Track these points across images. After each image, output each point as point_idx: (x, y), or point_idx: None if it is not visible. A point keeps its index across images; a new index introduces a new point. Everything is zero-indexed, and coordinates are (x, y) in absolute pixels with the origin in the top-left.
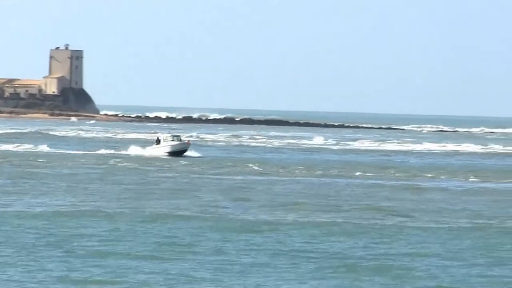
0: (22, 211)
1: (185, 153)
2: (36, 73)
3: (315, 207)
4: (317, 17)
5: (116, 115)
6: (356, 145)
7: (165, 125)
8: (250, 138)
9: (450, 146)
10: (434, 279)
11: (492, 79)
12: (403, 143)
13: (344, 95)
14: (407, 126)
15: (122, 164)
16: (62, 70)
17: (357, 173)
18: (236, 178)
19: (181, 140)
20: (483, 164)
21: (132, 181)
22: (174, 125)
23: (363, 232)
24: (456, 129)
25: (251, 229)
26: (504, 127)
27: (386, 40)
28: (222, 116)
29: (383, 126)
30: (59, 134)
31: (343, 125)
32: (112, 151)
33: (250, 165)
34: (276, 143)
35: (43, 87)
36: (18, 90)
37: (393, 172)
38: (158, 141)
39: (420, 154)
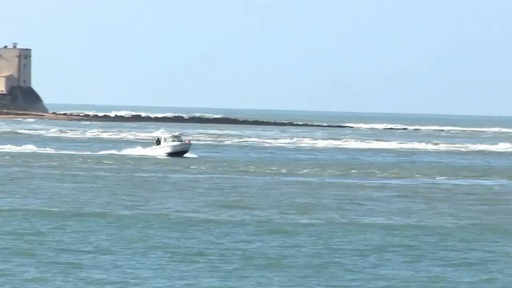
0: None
1: (186, 154)
2: None
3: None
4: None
5: (65, 114)
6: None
7: (114, 123)
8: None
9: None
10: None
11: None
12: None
13: (297, 94)
14: (357, 125)
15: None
16: (10, 69)
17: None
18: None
19: (181, 141)
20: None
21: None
22: (125, 124)
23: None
24: (406, 127)
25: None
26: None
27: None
28: (172, 115)
29: (332, 124)
30: (33, 133)
31: (291, 123)
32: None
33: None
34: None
35: None
36: None
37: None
38: (158, 142)
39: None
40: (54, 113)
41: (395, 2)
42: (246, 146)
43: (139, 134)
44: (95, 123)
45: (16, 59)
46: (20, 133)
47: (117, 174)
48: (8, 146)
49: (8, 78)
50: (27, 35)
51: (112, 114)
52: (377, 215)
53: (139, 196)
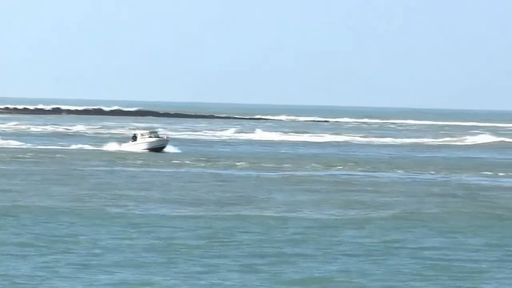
0: None
1: (164, 150)
2: None
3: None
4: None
5: None
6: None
7: (32, 116)
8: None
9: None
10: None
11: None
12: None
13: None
14: (279, 117)
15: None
16: None
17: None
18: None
19: (158, 137)
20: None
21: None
22: (43, 117)
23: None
24: (328, 119)
25: None
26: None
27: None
28: (91, 108)
29: (255, 116)
30: None
31: (213, 115)
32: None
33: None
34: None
35: None
36: None
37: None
38: (134, 138)
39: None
40: None
41: None
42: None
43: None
44: (16, 116)
45: None
46: None
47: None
48: None
49: None
50: None
51: (32, 107)
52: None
53: None
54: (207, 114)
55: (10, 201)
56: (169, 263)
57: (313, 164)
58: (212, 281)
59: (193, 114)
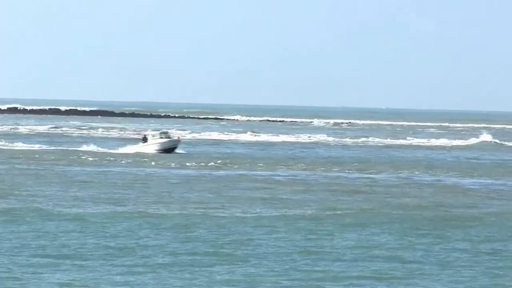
0: None
1: (175, 151)
2: None
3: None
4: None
5: None
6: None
7: None
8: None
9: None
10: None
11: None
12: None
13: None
14: (235, 116)
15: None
16: None
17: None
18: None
19: (169, 137)
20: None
21: None
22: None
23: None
24: (284, 119)
25: None
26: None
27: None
28: (48, 107)
29: (218, 117)
30: None
31: (168, 115)
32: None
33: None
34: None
35: None
36: None
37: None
38: (144, 139)
39: None
40: None
41: None
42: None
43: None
44: None
45: None
46: None
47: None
48: None
49: None
50: None
51: None
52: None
53: None
54: (162, 114)
55: None
56: None
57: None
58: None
59: (148, 114)
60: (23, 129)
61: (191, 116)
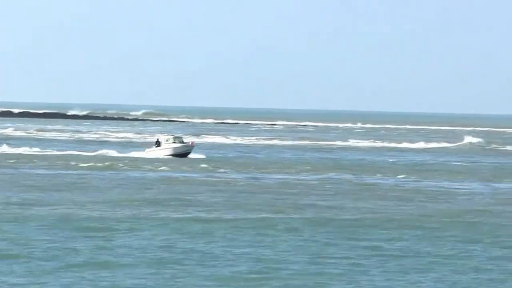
0: None
1: (189, 156)
2: None
3: None
4: None
5: None
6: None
7: None
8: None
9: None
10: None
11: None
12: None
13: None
14: (194, 120)
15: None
16: None
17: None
18: None
19: (183, 142)
20: None
21: None
22: None
23: None
24: (238, 121)
25: None
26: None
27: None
28: (0, 110)
29: (173, 119)
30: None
31: (122, 117)
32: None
33: None
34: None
35: None
36: None
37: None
38: (158, 143)
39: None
40: None
41: None
42: None
43: None
44: None
45: None
46: None
47: None
48: None
49: None
50: None
51: None
52: None
53: None
54: (116, 116)
55: None
56: None
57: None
58: None
59: (102, 115)
60: None
61: (128, 118)
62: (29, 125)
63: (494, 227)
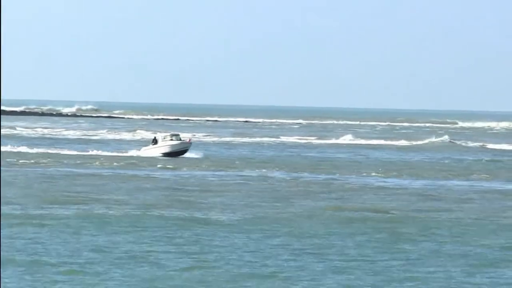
0: None
1: (186, 154)
2: None
3: None
4: None
5: None
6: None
7: None
8: None
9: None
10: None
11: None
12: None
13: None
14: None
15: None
16: None
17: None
18: None
19: (180, 139)
20: None
21: None
22: None
23: None
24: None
25: None
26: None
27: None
28: None
29: (158, 117)
30: None
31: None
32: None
33: None
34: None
35: None
36: None
37: None
38: (155, 141)
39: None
40: None
41: None
42: None
43: None
44: None
45: None
46: None
47: None
48: None
49: None
50: None
51: None
52: None
53: None
54: (95, 115)
55: None
56: None
57: None
58: None
59: (88, 115)
60: None
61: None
62: None
63: None
